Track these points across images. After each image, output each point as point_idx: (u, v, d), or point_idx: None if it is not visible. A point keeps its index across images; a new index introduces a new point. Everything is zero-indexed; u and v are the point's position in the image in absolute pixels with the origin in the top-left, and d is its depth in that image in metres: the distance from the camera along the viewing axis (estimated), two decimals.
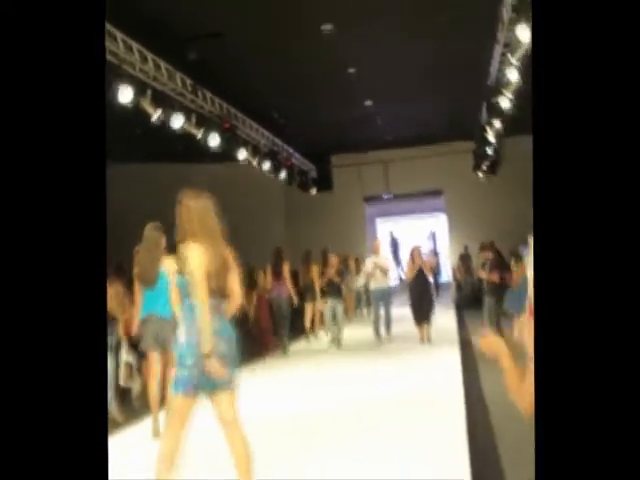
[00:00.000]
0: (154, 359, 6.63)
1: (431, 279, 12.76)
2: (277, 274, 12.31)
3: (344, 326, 13.19)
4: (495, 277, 11.28)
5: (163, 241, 6.65)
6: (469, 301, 18.41)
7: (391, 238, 27.78)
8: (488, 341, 2.83)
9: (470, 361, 9.84)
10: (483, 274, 11.84)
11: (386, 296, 13.19)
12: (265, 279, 12.60)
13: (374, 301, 13.47)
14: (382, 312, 13.09)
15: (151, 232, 6.68)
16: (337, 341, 12.64)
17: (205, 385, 4.19)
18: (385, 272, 13.08)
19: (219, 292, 4.29)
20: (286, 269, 12.44)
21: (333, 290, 12.93)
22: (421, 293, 12.30)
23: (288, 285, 12.35)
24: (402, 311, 14.04)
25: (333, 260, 13.23)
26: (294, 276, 13.74)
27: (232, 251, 4.47)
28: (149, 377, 6.72)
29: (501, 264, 11.72)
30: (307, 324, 13.95)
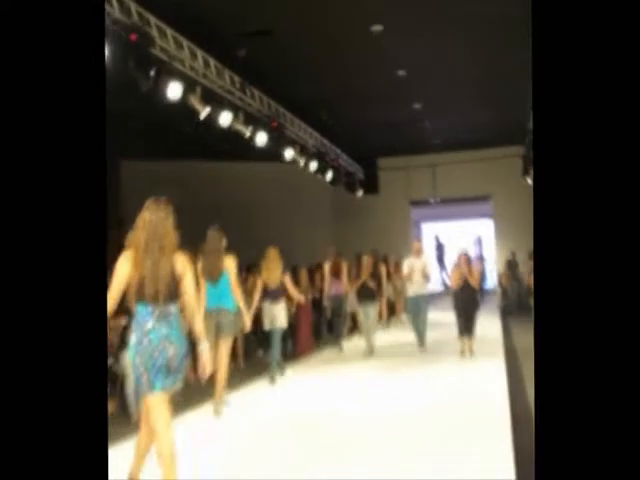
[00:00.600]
0: (220, 346, 7.45)
1: (477, 287, 11.55)
2: (336, 274, 12.50)
3: (375, 333, 12.22)
4: None
5: (224, 241, 7.59)
6: (515, 308, 18.19)
7: (437, 242, 27.58)
8: None
9: (515, 370, 9.63)
10: None
11: (424, 303, 12.26)
12: (307, 279, 12.72)
13: (411, 308, 12.54)
14: (419, 321, 12.22)
15: (213, 234, 7.59)
16: (370, 349, 11.89)
17: (152, 385, 4.40)
18: (426, 276, 12.20)
19: (161, 298, 4.44)
20: (344, 269, 12.63)
21: (366, 294, 12.05)
22: (466, 303, 11.19)
23: (346, 285, 12.56)
24: (445, 317, 13.74)
25: (367, 262, 12.24)
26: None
27: (186, 259, 4.61)
28: (215, 363, 7.19)
29: None
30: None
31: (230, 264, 7.51)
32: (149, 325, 4.40)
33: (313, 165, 15.93)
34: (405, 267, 12.44)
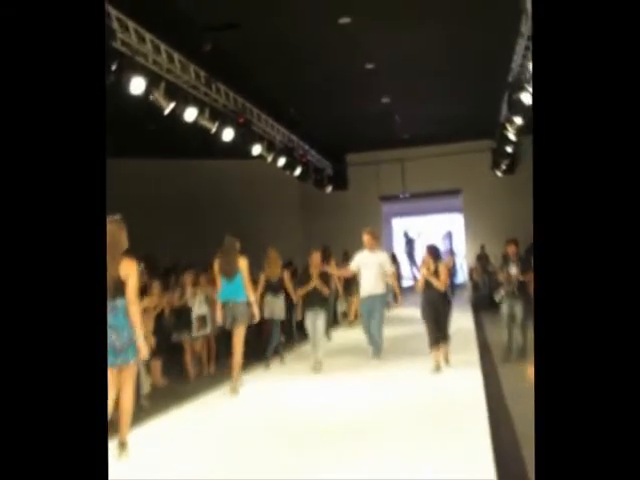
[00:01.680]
0: (236, 333, 8.65)
1: (442, 289, 9.41)
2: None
3: (323, 347, 10.42)
4: (531, 277, 8.95)
5: (238, 245, 8.87)
6: (486, 302, 18.15)
7: (406, 237, 27.50)
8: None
9: (489, 365, 9.53)
10: (520, 275, 9.60)
11: (378, 305, 10.52)
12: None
13: (364, 310, 10.80)
14: (372, 325, 10.50)
15: (229, 238, 8.84)
16: (318, 364, 10.02)
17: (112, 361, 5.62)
18: (384, 274, 10.64)
19: (110, 294, 5.60)
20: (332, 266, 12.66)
21: (314, 299, 10.15)
22: (434, 308, 9.38)
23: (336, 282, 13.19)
24: (413, 312, 13.28)
25: (315, 259, 10.35)
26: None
27: (132, 265, 5.83)
28: (232, 347, 8.77)
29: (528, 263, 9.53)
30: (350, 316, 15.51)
31: (243, 264, 8.67)
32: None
33: (281, 161, 15.72)
34: (355, 261, 10.93)
